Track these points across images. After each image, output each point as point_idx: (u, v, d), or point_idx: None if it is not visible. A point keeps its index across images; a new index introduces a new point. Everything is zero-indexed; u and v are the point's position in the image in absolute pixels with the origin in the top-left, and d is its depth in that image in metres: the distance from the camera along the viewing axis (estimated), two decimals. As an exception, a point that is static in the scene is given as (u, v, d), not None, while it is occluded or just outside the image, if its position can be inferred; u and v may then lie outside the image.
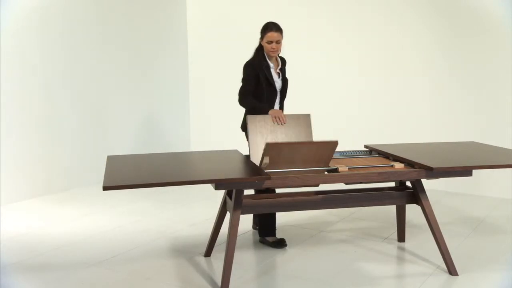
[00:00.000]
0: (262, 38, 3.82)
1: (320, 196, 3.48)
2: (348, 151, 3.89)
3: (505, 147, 5.05)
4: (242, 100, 3.87)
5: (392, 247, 3.92)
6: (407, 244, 3.97)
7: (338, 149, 4.05)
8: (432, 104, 5.74)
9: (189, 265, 3.57)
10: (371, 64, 6.07)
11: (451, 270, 3.37)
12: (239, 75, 7.61)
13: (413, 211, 4.37)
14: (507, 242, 4.01)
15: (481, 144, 4.15)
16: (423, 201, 3.43)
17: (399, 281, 3.38)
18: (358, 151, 3.93)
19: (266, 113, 3.73)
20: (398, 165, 3.40)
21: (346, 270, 3.48)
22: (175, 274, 3.41)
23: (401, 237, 4.01)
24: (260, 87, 3.83)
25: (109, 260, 3.64)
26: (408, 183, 3.73)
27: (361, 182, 3.27)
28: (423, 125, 5.78)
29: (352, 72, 6.19)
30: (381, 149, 3.82)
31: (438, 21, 5.62)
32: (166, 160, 3.48)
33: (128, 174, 3.25)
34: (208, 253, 3.72)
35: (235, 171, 3.18)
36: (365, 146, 4.02)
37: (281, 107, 4.03)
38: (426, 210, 3.41)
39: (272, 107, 3.87)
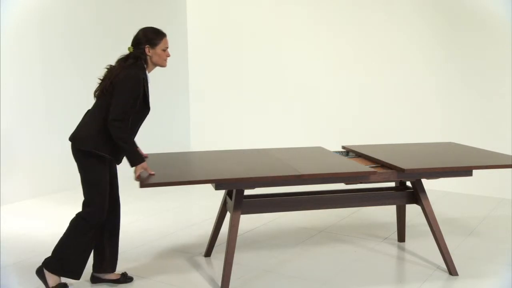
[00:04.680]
0: (154, 45, 3.05)
1: (320, 196, 3.48)
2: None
3: (505, 146, 5.07)
4: (125, 130, 2.96)
5: (392, 247, 3.92)
6: (407, 244, 3.96)
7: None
8: (432, 104, 5.74)
9: (189, 265, 3.57)
10: (370, 65, 6.06)
11: (451, 270, 3.37)
12: (239, 75, 7.58)
13: (413, 211, 4.37)
14: (507, 242, 4.01)
15: (459, 144, 4.15)
16: (423, 201, 3.43)
17: (399, 281, 3.38)
18: (337, 152, 3.93)
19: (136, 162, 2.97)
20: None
21: (346, 270, 3.48)
22: (175, 274, 3.41)
23: (401, 237, 4.01)
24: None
25: (109, 260, 3.63)
26: (408, 183, 3.73)
27: (361, 182, 3.27)
28: (422, 125, 5.77)
29: (348, 72, 6.19)
30: (358, 150, 3.81)
31: (439, 21, 5.61)
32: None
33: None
34: (208, 253, 3.72)
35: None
36: (343, 147, 4.01)
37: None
38: (426, 210, 3.41)
39: (136, 131, 3.16)
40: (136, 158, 2.99)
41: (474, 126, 5.46)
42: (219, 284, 3.16)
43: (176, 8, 7.16)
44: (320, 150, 3.88)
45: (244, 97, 6.94)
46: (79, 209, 3.13)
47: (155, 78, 6.93)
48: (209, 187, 3.09)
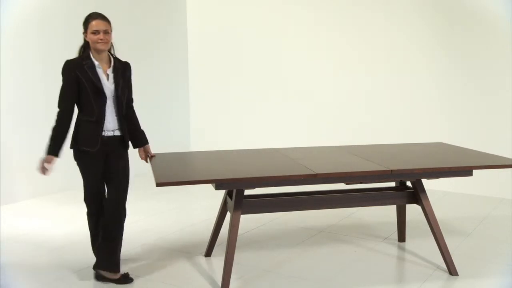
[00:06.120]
0: (85, 31, 3.14)
1: (320, 196, 3.49)
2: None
3: (506, 146, 5.07)
4: (58, 118, 3.14)
5: (392, 247, 3.92)
6: (407, 244, 3.96)
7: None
8: (432, 104, 5.74)
9: (189, 265, 3.57)
10: (370, 65, 6.06)
11: (451, 270, 3.37)
12: (239, 75, 7.57)
13: (413, 211, 4.37)
14: (507, 242, 4.01)
15: (449, 145, 4.15)
16: (423, 201, 3.43)
17: (399, 281, 3.38)
18: None
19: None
20: None
21: (346, 270, 3.48)
22: (175, 274, 3.41)
23: (401, 237, 4.01)
24: (86, 92, 3.07)
25: (109, 260, 3.63)
26: (408, 183, 3.73)
27: (361, 182, 3.27)
28: (422, 125, 5.77)
29: (348, 72, 6.18)
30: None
31: (439, 21, 5.61)
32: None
33: (128, 174, 3.22)
34: (208, 253, 3.72)
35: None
36: None
37: (122, 119, 3.28)
38: (426, 210, 3.41)
39: (103, 116, 3.12)
40: (48, 148, 3.16)
41: (475, 126, 5.46)
42: (219, 284, 3.16)
43: (176, 8, 7.16)
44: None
45: (244, 97, 6.94)
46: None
47: (155, 78, 6.98)
48: (209, 187, 3.09)
